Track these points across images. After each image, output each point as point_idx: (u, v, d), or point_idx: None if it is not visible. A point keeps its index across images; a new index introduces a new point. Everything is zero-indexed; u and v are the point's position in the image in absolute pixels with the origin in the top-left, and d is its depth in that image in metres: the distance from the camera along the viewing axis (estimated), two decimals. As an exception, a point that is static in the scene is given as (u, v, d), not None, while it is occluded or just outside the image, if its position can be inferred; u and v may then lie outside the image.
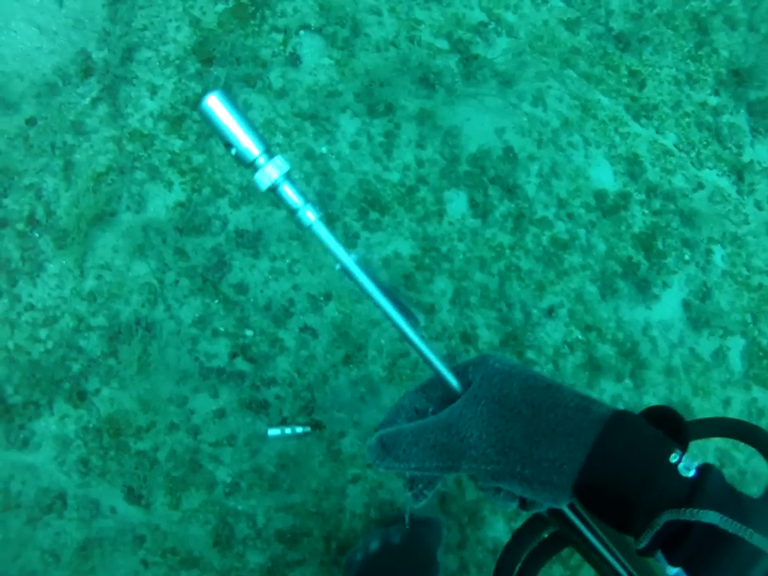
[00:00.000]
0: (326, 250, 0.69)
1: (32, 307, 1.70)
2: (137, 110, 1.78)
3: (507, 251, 1.80)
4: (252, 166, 0.65)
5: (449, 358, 1.74)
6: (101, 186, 1.72)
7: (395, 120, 1.79)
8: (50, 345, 1.67)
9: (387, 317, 0.70)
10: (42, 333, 1.69)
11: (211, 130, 0.65)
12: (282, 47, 1.84)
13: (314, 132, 1.74)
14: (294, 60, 1.81)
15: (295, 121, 1.75)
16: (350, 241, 1.69)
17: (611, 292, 1.87)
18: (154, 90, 1.79)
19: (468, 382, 0.69)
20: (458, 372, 0.70)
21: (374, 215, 1.72)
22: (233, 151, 0.65)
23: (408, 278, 1.71)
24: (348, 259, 0.70)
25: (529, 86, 1.95)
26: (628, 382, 1.85)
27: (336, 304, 1.68)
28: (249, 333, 1.65)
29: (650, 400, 1.86)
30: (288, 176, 0.66)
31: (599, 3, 2.21)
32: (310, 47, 1.86)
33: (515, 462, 0.61)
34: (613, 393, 1.84)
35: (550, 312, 1.81)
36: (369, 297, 0.70)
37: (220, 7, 1.88)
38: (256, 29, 1.85)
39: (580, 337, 1.83)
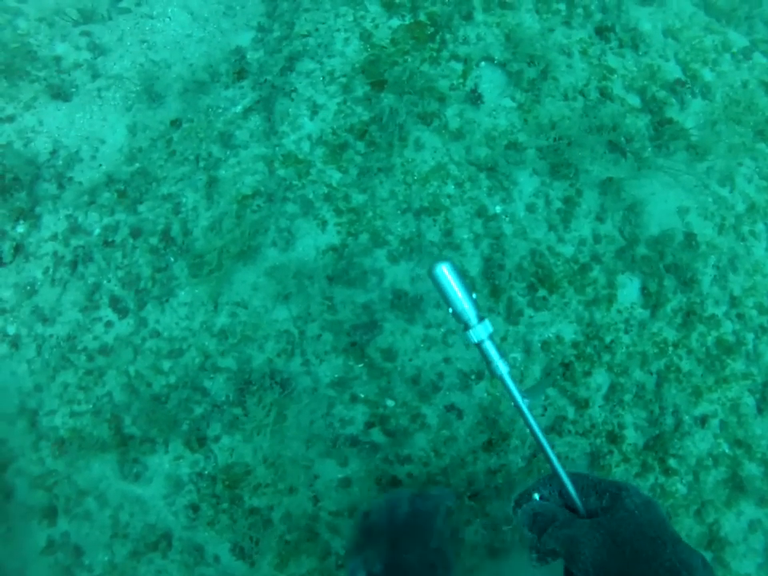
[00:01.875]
0: (509, 396, 0.88)
1: (157, 334, 1.50)
2: (293, 130, 1.51)
3: (670, 349, 1.56)
4: (465, 324, 0.86)
5: (589, 456, 1.52)
6: (245, 211, 1.48)
7: (577, 185, 1.52)
8: (172, 379, 1.48)
9: (548, 460, 0.89)
10: (166, 364, 1.49)
11: (437, 290, 0.85)
12: (461, 80, 1.55)
13: (488, 186, 1.48)
14: (475, 98, 1.52)
15: (470, 170, 1.49)
16: (512, 318, 1.44)
17: (771, 407, 1.62)
18: (314, 110, 1.52)
19: (600, 503, 0.86)
20: (599, 490, 0.88)
21: (542, 292, 1.47)
22: (450, 310, 0.86)
23: (567, 366, 1.47)
24: (524, 405, 0.88)
25: (720, 161, 1.67)
26: (770, 506, 1.62)
27: (487, 384, 1.45)
28: (390, 403, 1.44)
29: (789, 528, 1.64)
30: (491, 336, 0.87)
31: (801, 67, 1.86)
32: (491, 82, 1.57)
33: None
34: (752, 517, 1.62)
35: (703, 421, 1.57)
36: (534, 437, 0.89)
37: (395, 22, 1.59)
38: (434, 54, 1.56)
39: (727, 451, 1.61)
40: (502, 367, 0.87)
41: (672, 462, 1.60)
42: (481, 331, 0.85)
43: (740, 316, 1.65)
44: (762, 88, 1.80)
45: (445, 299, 0.84)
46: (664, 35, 1.74)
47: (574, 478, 0.89)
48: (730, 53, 1.79)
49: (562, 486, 0.90)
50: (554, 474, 0.91)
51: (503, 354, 0.88)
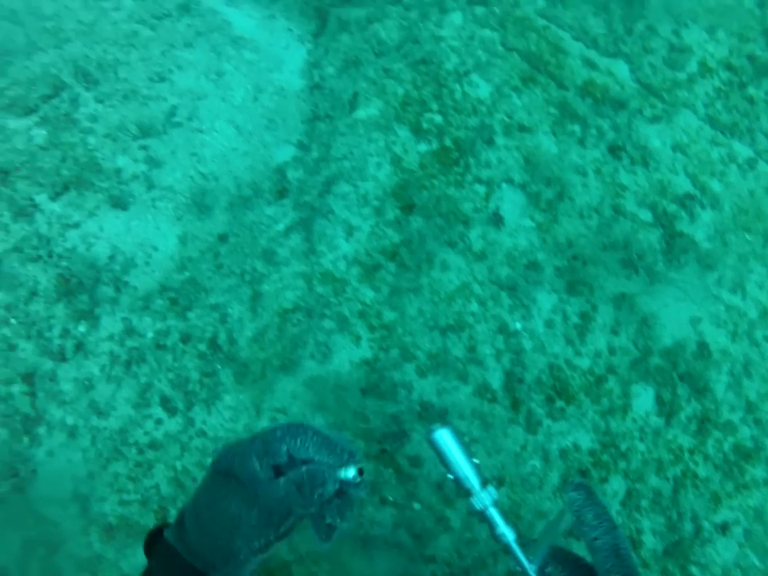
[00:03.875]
0: (517, 563, 0.85)
1: (203, 434, 1.69)
2: (330, 250, 1.72)
3: (686, 455, 1.68)
4: (467, 491, 0.84)
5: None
6: (286, 324, 1.68)
7: (593, 301, 1.68)
8: (218, 479, 1.65)
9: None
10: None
11: (437, 456, 0.84)
12: (484, 202, 1.75)
13: (510, 305, 1.66)
14: (497, 220, 1.71)
15: (492, 289, 1.67)
16: (532, 428, 1.60)
17: (789, 512, 1.72)
18: (350, 231, 1.73)
19: None
20: None
21: (559, 403, 1.63)
22: (450, 476, 0.83)
23: (584, 473, 1.61)
24: (532, 572, 0.84)
25: (730, 270, 1.81)
26: (795, 613, 1.71)
27: (507, 490, 1.60)
28: (417, 506, 1.60)
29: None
30: (495, 502, 0.85)
31: (809, 172, 2.02)
32: (512, 203, 1.77)
33: None
34: (774, 620, 1.70)
35: (724, 528, 1.68)
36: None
37: (423, 147, 1.81)
38: (459, 177, 1.77)
39: (757, 563, 1.70)
40: (509, 534, 0.85)
41: (695, 570, 1.71)
42: (484, 498, 0.84)
43: (757, 421, 1.77)
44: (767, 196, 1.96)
45: (445, 465, 0.84)
46: (673, 150, 1.92)
47: None
48: (735, 164, 1.96)
49: None
50: None
51: (508, 520, 0.86)
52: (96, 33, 2.70)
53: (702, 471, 1.71)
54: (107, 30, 2.73)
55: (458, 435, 0.84)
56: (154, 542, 0.87)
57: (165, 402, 1.84)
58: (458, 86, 1.85)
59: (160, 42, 2.64)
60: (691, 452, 1.71)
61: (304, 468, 0.80)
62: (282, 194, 1.87)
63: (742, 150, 2.03)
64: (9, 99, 2.39)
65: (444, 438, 0.83)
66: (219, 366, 1.72)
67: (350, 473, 0.80)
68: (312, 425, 0.84)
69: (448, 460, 0.83)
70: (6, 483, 1.90)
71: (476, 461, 0.85)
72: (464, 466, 0.83)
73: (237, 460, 0.82)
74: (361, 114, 1.87)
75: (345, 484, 0.81)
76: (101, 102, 2.38)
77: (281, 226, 1.82)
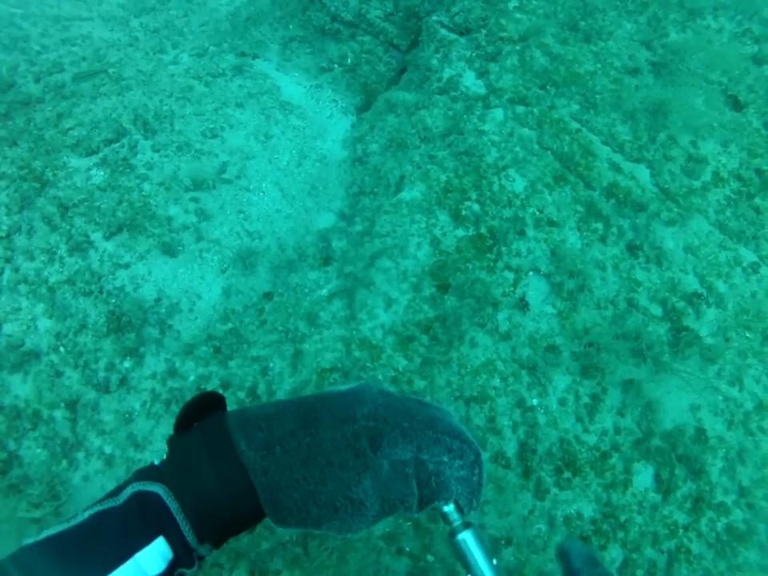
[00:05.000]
0: None
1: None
2: (370, 318, 2.12)
3: (681, 531, 2.05)
4: None
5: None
6: (324, 383, 2.07)
7: (603, 384, 2.07)
8: (252, 520, 2.02)
9: None
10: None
11: (456, 556, 0.89)
12: (512, 288, 2.15)
13: (528, 382, 2.05)
14: (523, 305, 2.12)
15: (513, 367, 2.06)
16: (540, 494, 1.98)
17: (770, 593, 2.09)
18: (389, 303, 2.13)
19: None
20: None
21: (566, 474, 2.00)
22: None
23: (585, 540, 1.98)
24: None
25: (729, 365, 2.21)
26: None
27: (514, 550, 1.97)
28: (430, 558, 1.95)
29: None
30: None
31: (809, 279, 2.44)
32: (537, 291, 2.18)
33: None
34: None
35: (709, 601, 2.04)
36: None
37: (460, 233, 2.22)
38: (491, 263, 2.18)
39: (732, 629, 2.06)
40: None
41: (677, 636, 2.07)
42: None
43: (750, 506, 2.14)
44: (770, 299, 2.38)
45: (465, 567, 0.90)
46: (685, 251, 2.35)
47: None
48: (740, 267, 2.39)
49: None
50: None
51: None
52: (154, 83, 3.14)
53: (695, 548, 2.08)
54: (165, 81, 3.17)
55: (480, 537, 0.89)
56: (205, 417, 0.75)
57: (203, 443, 2.21)
58: (496, 179, 2.28)
59: (213, 99, 3.08)
60: (685, 528, 2.08)
61: (432, 468, 0.79)
62: (326, 261, 2.28)
63: (747, 255, 2.45)
64: (73, 139, 2.82)
65: (467, 542, 0.89)
66: (261, 415, 2.10)
67: (459, 520, 0.90)
68: (484, 461, 0.85)
69: (468, 563, 0.90)
70: (49, 505, 2.25)
71: (495, 561, 0.91)
72: (484, 570, 0.89)
73: (396, 435, 0.76)
74: (405, 195, 2.29)
75: (438, 513, 0.91)
76: (157, 151, 2.80)
77: (324, 292, 2.22)
